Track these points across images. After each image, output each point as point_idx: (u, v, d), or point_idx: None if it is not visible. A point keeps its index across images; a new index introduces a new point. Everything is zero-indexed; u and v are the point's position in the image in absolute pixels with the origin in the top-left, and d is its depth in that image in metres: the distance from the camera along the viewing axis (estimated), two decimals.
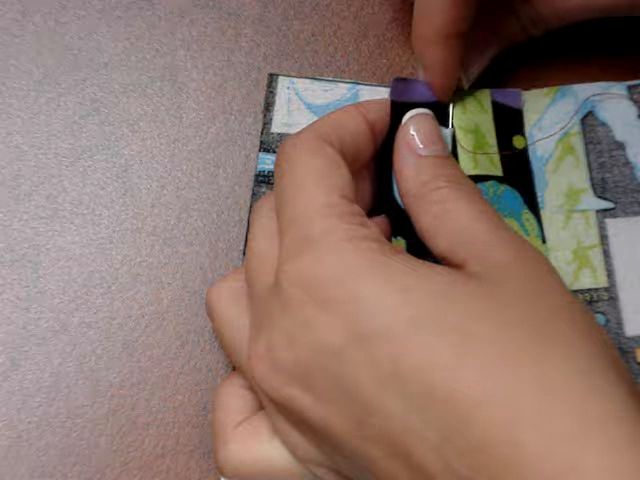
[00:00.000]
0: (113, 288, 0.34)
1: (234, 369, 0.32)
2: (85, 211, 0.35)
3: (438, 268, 0.25)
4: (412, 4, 0.36)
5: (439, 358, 0.23)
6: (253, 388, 0.28)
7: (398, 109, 0.32)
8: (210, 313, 0.30)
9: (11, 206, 0.35)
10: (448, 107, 0.34)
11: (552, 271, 0.26)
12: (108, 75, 0.36)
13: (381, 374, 0.23)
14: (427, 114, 0.31)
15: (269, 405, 0.27)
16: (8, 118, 0.36)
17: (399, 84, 0.33)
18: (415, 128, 0.30)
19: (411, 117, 0.30)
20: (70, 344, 0.33)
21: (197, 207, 0.35)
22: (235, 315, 0.29)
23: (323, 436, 0.25)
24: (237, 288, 0.29)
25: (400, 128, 0.30)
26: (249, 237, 0.29)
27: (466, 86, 0.34)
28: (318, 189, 0.26)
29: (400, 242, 0.31)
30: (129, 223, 0.35)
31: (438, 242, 0.27)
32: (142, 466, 0.32)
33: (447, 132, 0.33)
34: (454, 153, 0.33)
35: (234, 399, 0.29)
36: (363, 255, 0.25)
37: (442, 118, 0.33)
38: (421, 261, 0.26)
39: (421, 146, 0.29)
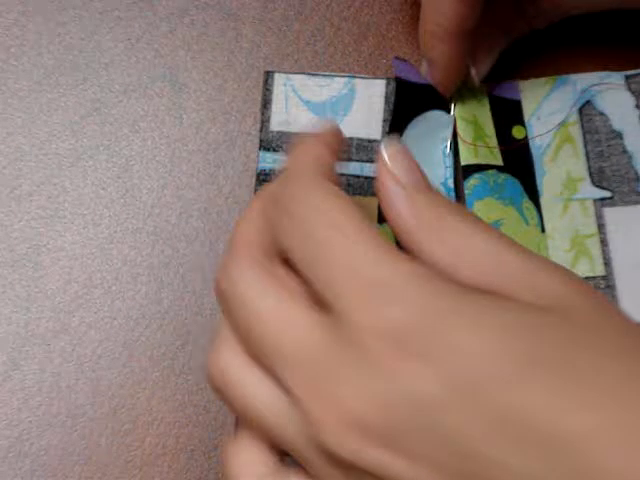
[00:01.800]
0: (113, 288, 0.34)
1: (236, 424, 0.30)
2: (86, 211, 0.35)
3: (507, 302, 0.24)
4: (413, 4, 0.36)
5: (549, 399, 0.21)
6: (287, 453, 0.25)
7: (404, 87, 0.33)
8: (220, 386, 0.27)
9: (12, 206, 0.35)
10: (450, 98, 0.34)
11: (603, 296, 0.25)
12: (108, 75, 0.36)
13: (488, 422, 0.21)
14: (398, 145, 0.28)
15: (333, 472, 0.24)
16: (9, 118, 0.36)
17: (401, 63, 0.34)
18: (394, 163, 0.27)
19: (384, 150, 0.27)
20: (71, 344, 0.33)
21: (197, 207, 0.35)
22: (254, 381, 0.25)
23: None
24: (241, 354, 0.26)
25: (379, 164, 0.27)
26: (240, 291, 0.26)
27: (477, 83, 0.34)
28: (362, 229, 0.24)
29: (386, 228, 0.32)
30: (129, 223, 0.35)
31: (461, 272, 0.25)
32: (142, 466, 0.32)
33: (449, 119, 0.34)
34: (455, 142, 0.34)
35: (252, 454, 0.26)
36: (443, 297, 0.23)
37: (443, 102, 0.34)
38: (486, 293, 0.24)
39: (406, 180, 0.27)
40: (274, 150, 0.35)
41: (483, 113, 0.34)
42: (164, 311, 0.34)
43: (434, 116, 0.34)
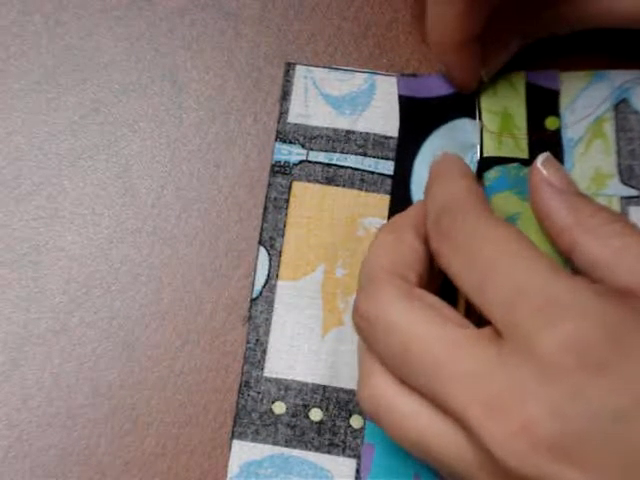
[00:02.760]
0: (113, 288, 0.34)
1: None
2: (85, 211, 0.35)
3: None
4: (413, 3, 0.36)
5: None
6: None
7: (411, 106, 0.33)
8: (374, 412, 0.27)
9: (11, 206, 0.35)
10: (472, 98, 0.34)
11: None
12: (108, 75, 0.36)
13: None
14: (549, 154, 0.30)
15: None
16: (8, 118, 0.36)
17: (408, 80, 0.34)
18: (548, 169, 0.29)
19: (538, 159, 0.30)
20: (70, 344, 0.33)
21: (197, 207, 0.35)
22: (410, 405, 0.26)
23: None
24: (392, 380, 0.26)
25: (533, 171, 0.29)
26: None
27: (485, 79, 0.34)
28: (529, 250, 0.25)
29: None
30: (129, 223, 0.35)
31: (620, 275, 0.26)
32: (142, 466, 0.32)
33: (475, 125, 0.34)
34: (480, 136, 0.34)
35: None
36: (622, 309, 0.24)
37: (465, 108, 0.34)
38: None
39: (559, 183, 0.29)
40: (290, 142, 0.35)
41: (516, 102, 0.34)
42: (164, 311, 0.34)
43: (458, 125, 0.34)
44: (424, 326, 0.25)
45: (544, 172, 0.29)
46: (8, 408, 0.33)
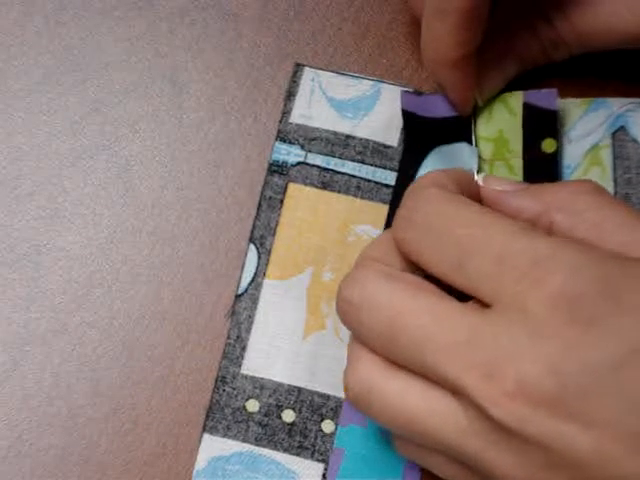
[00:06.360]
0: (114, 288, 0.34)
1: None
2: (86, 211, 0.35)
3: None
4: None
5: None
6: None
7: (413, 121, 0.33)
8: (364, 398, 0.27)
9: (12, 206, 0.35)
10: (470, 123, 0.34)
11: None
12: (108, 75, 0.36)
13: None
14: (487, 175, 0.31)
15: (502, 456, 0.24)
16: (9, 118, 0.36)
17: (411, 97, 0.34)
18: (493, 181, 0.30)
19: (478, 179, 0.30)
20: (70, 344, 0.33)
21: (197, 207, 0.35)
22: (402, 384, 0.26)
23: (586, 467, 0.23)
24: (380, 362, 0.26)
25: (482, 189, 0.30)
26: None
27: (480, 103, 0.34)
28: (500, 218, 0.26)
29: None
30: (129, 223, 0.35)
31: (605, 245, 0.26)
32: (142, 466, 0.32)
33: (473, 150, 0.33)
34: (477, 163, 0.33)
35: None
36: (606, 262, 0.24)
37: (464, 132, 0.34)
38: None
39: (507, 188, 0.30)
40: (290, 142, 0.35)
41: (512, 126, 0.34)
42: (164, 311, 0.34)
43: (456, 149, 0.33)
44: (409, 300, 0.25)
45: (494, 185, 0.29)
46: (8, 408, 0.33)
